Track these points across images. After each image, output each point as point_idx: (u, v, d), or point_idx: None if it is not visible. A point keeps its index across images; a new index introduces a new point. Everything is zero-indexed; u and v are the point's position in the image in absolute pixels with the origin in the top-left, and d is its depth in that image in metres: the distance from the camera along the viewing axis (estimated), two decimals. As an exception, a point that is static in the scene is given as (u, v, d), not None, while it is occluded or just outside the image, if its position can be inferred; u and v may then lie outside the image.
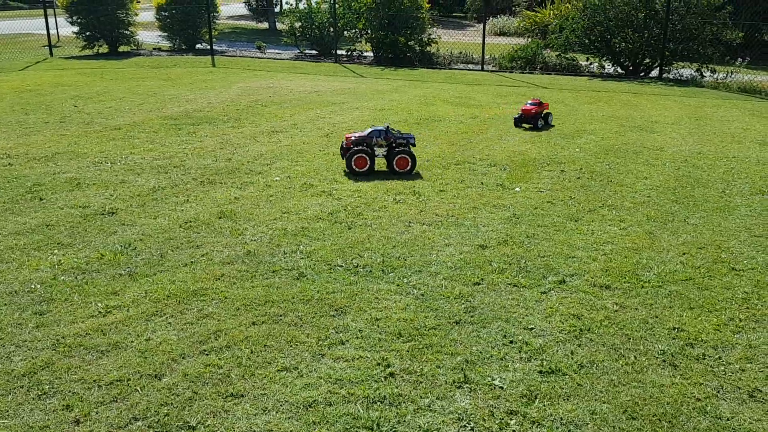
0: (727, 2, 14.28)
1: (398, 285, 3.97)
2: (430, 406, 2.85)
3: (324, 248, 4.51)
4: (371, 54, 17.39)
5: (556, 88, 12.75)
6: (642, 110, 10.28)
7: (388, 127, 6.48)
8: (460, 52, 17.43)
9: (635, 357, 3.27)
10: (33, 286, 3.89)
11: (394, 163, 6.37)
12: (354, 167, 6.29)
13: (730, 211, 5.45)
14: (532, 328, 3.52)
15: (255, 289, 3.90)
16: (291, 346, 3.29)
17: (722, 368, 3.18)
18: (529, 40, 22.43)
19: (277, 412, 2.78)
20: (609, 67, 15.50)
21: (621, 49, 14.80)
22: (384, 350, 3.26)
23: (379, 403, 2.86)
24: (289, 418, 2.75)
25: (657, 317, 3.68)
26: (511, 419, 2.77)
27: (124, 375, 3.03)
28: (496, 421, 2.76)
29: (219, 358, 3.17)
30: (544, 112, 8.79)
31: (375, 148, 6.37)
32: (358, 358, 3.18)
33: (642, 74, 15.02)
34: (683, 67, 14.67)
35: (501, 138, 8.04)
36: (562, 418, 2.78)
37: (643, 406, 2.88)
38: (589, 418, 2.78)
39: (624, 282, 4.10)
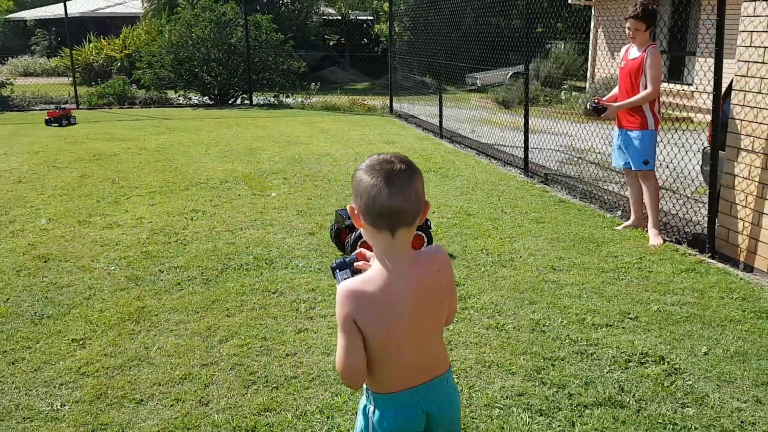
0: (290, 37, 17.04)
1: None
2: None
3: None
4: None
5: (178, 119, 13.40)
6: (274, 129, 11.81)
7: None
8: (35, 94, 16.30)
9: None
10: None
11: None
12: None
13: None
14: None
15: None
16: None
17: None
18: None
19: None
20: (194, 98, 16.67)
21: (209, 81, 16.18)
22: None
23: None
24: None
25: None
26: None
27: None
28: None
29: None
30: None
31: None
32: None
33: (231, 102, 16.68)
34: (262, 95, 16.86)
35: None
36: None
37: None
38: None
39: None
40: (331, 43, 27.90)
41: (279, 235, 5.41)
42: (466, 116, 12.78)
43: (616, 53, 18.23)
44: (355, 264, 1.81)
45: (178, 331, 3.68)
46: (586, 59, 20.31)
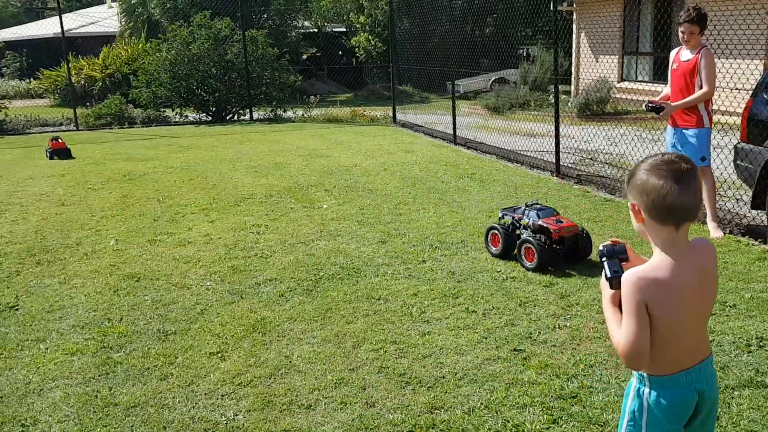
0: (285, 52, 17.15)
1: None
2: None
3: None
4: None
5: (186, 136, 13.41)
6: (287, 143, 11.91)
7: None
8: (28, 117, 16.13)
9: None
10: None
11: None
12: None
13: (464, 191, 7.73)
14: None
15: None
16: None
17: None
18: (53, 100, 21.97)
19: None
20: (191, 116, 16.65)
21: (207, 98, 16.20)
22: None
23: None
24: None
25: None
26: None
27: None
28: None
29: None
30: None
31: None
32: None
33: (229, 118, 16.70)
34: (261, 110, 16.91)
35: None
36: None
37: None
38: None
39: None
40: (305, 57, 28.02)
41: (352, 245, 5.53)
42: (462, 123, 12.98)
43: (601, 57, 18.76)
44: (620, 260, 1.95)
45: (308, 340, 3.79)
46: (571, 63, 20.74)
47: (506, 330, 3.84)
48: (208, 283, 4.77)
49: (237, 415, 3.06)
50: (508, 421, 2.93)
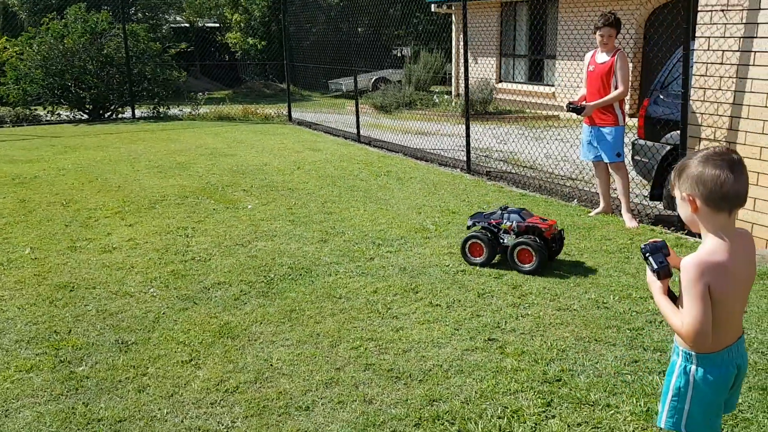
0: (169, 47, 16.45)
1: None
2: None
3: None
4: None
5: (67, 136, 12.54)
6: (184, 142, 11.48)
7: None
8: None
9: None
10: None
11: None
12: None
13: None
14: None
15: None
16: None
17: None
18: None
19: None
20: (64, 114, 15.56)
21: (84, 95, 15.21)
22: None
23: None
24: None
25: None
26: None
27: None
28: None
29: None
30: None
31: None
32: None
33: (108, 116, 15.77)
34: (142, 107, 16.10)
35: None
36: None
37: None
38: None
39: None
40: (172, 51, 27.05)
41: (293, 245, 5.46)
42: (353, 122, 13.12)
43: (480, 58, 19.56)
44: (663, 254, 2.10)
45: (282, 342, 3.72)
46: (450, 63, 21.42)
47: (474, 321, 3.96)
48: (151, 290, 4.53)
49: (235, 422, 2.95)
50: (506, 408, 3.04)
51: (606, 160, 6.04)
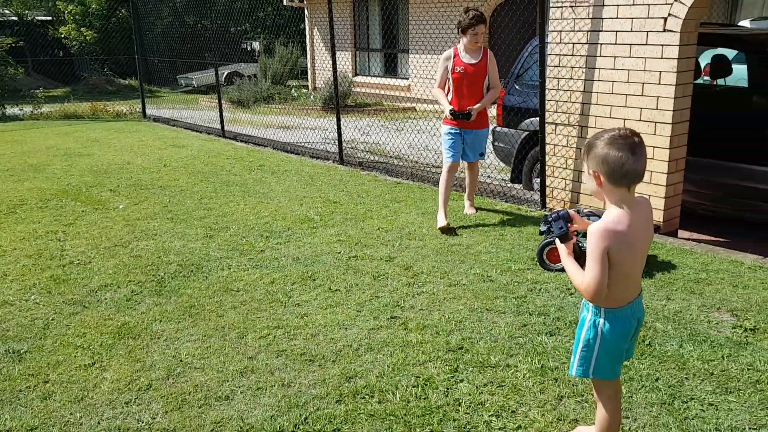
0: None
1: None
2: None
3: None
4: None
5: None
6: (31, 143, 10.68)
7: None
8: None
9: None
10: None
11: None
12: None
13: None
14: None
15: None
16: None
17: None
18: None
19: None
20: None
21: None
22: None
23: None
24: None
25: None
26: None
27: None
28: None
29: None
30: None
31: None
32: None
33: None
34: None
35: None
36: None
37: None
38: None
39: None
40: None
41: (177, 243, 5.35)
42: (209, 117, 12.90)
43: (336, 52, 19.82)
44: (565, 221, 2.38)
45: (187, 338, 3.69)
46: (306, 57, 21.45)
47: (374, 302, 4.13)
48: (32, 297, 4.28)
49: (155, 417, 2.92)
50: (419, 377, 3.24)
51: (473, 159, 6.10)
